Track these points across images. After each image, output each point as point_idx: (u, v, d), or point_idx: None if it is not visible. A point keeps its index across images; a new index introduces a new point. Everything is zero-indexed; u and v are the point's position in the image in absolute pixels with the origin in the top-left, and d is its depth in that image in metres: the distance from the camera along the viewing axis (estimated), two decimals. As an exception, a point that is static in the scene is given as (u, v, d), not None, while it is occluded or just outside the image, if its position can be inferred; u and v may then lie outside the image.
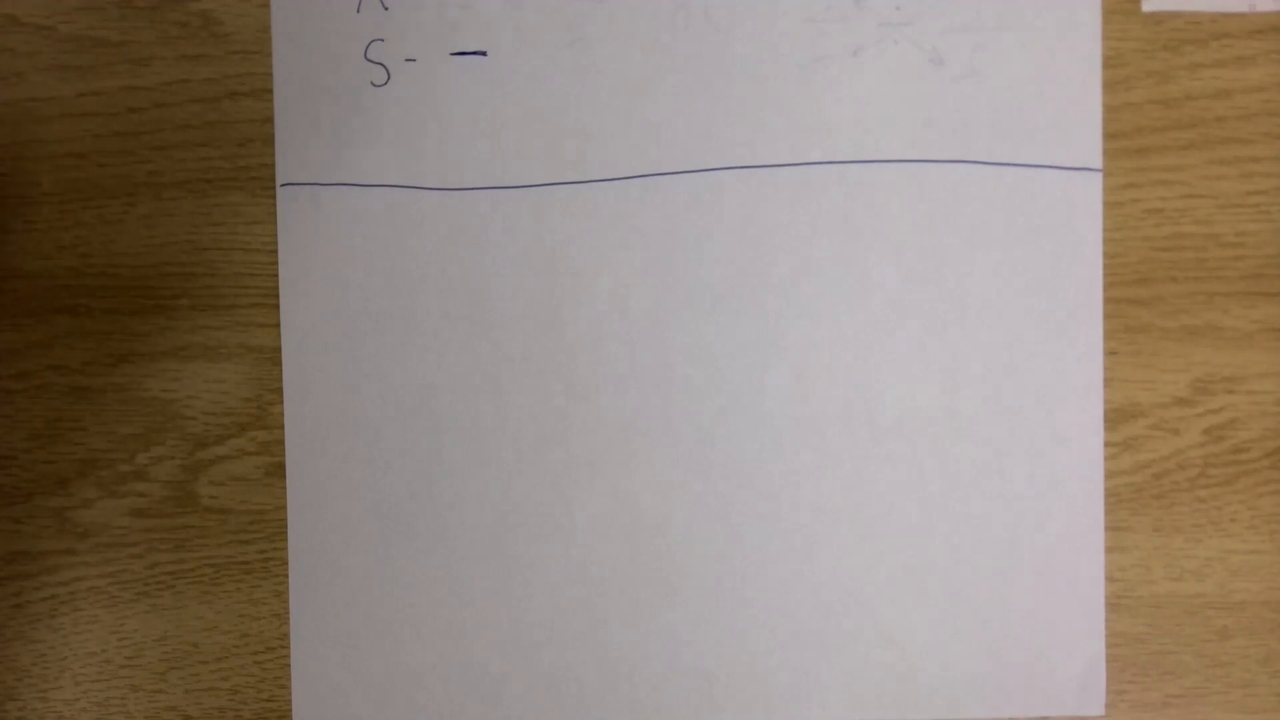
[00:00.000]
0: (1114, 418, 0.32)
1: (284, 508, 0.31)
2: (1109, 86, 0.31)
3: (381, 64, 0.31)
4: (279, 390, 0.31)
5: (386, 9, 0.31)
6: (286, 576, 0.31)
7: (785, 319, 0.31)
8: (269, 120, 0.31)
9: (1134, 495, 0.32)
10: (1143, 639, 0.32)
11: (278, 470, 0.32)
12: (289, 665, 0.32)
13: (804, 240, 0.31)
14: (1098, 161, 0.31)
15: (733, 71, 0.31)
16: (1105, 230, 0.31)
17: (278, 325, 0.31)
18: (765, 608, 0.31)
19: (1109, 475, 0.32)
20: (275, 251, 0.31)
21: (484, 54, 0.31)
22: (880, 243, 0.31)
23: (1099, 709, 0.32)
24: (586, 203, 0.31)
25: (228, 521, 0.31)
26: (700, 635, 0.31)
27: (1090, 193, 0.31)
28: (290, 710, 0.32)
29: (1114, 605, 0.32)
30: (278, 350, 0.31)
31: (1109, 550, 0.32)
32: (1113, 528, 0.32)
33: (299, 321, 0.31)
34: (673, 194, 0.31)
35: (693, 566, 0.31)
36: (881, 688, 0.31)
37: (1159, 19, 0.31)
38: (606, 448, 0.31)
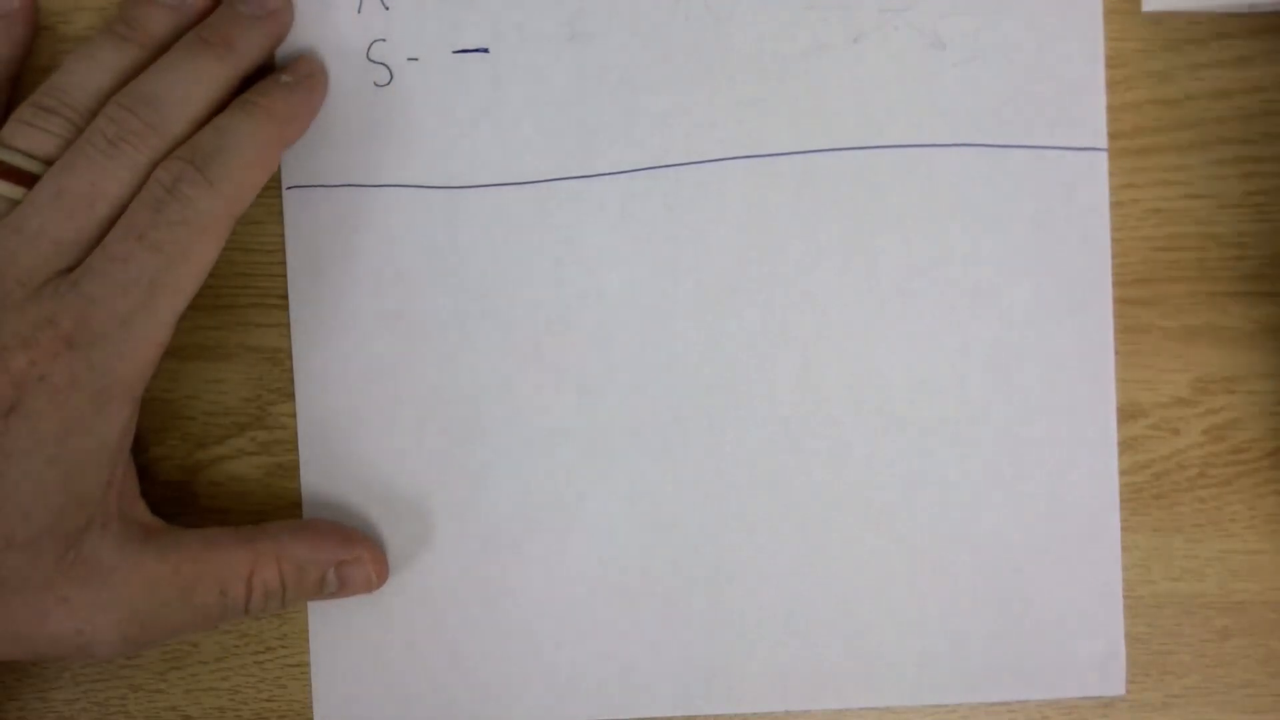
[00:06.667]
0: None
1: (284, 508, 0.31)
2: (1109, 86, 0.31)
3: (384, 64, 0.31)
4: (279, 390, 0.31)
5: (387, 9, 0.31)
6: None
7: (793, 308, 0.31)
8: (270, 120, 0.31)
9: (1134, 495, 0.32)
10: (1143, 639, 0.32)
11: (278, 470, 0.32)
12: (289, 665, 0.32)
13: (810, 228, 0.31)
14: (1103, 141, 0.31)
15: (734, 61, 0.31)
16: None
17: (277, 325, 0.31)
18: (781, 597, 0.31)
19: (1109, 475, 0.32)
20: (275, 251, 0.31)
21: (485, 51, 0.31)
22: (887, 229, 0.31)
23: (1120, 689, 0.32)
24: (592, 197, 0.31)
25: (227, 522, 0.31)
26: (717, 626, 0.31)
27: (1096, 172, 0.31)
28: (288, 710, 0.32)
29: (1115, 605, 0.32)
30: (278, 350, 0.31)
31: (1110, 550, 0.32)
32: (1113, 527, 0.32)
33: (309, 323, 0.31)
34: (677, 186, 0.31)
35: (707, 557, 0.31)
36: (897, 673, 0.31)
37: (1159, 19, 0.31)
38: (618, 441, 0.31)
